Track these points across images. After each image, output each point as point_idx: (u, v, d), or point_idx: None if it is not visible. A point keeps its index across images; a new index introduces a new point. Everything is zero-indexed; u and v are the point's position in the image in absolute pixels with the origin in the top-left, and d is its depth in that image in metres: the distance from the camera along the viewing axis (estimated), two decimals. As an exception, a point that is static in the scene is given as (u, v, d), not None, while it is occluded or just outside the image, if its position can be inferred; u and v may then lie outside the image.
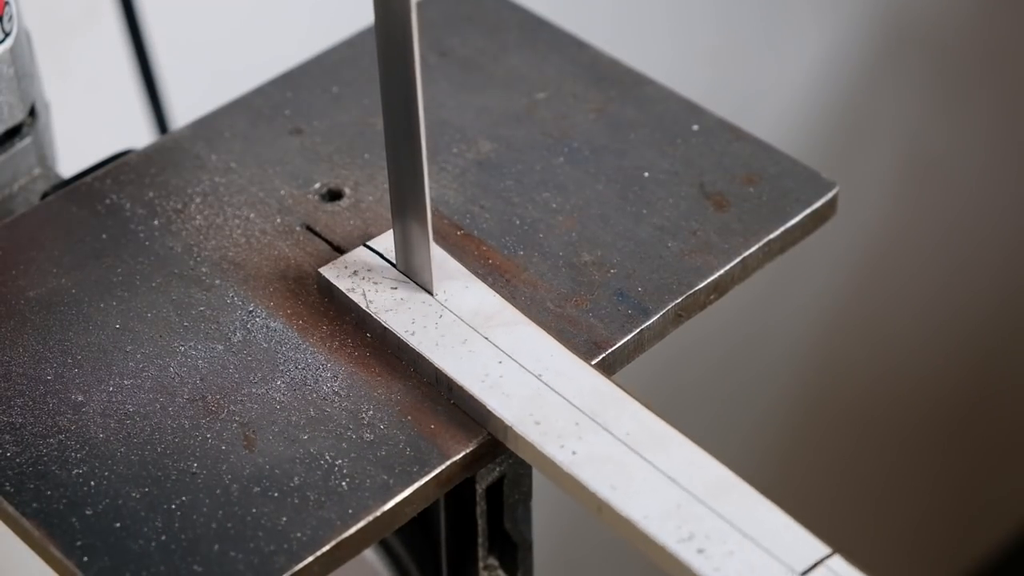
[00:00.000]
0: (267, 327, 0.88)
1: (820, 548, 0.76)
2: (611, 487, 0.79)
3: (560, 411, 0.82)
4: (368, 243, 0.90)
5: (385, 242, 0.90)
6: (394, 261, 0.89)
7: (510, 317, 0.86)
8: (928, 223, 2.26)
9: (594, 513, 0.79)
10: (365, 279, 0.89)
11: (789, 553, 0.76)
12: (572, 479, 0.79)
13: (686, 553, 0.76)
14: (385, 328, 0.86)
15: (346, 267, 0.89)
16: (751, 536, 0.76)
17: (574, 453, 0.80)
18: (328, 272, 0.89)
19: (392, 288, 0.88)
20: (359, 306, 0.87)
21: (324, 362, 0.86)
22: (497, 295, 0.87)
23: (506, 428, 0.82)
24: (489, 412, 0.82)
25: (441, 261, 0.89)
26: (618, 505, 0.78)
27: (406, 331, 0.86)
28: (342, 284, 0.88)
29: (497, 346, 0.85)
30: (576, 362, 0.84)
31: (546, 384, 0.83)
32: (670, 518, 0.77)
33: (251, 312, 0.88)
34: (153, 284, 0.90)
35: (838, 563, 0.75)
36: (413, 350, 0.85)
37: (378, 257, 0.89)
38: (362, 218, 0.93)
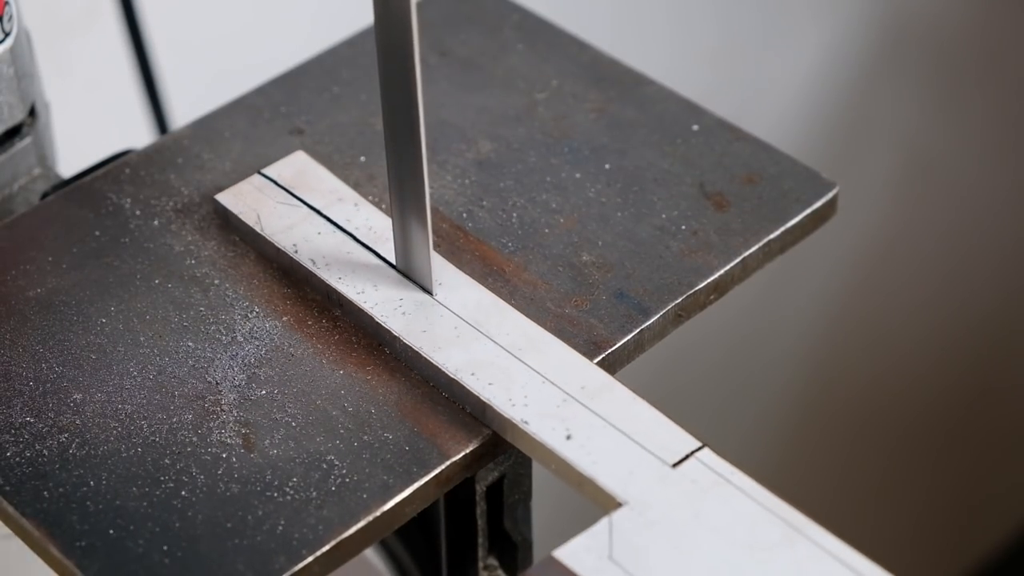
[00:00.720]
0: (267, 327, 0.88)
1: (691, 441, 0.80)
2: (493, 390, 0.82)
3: (445, 321, 0.86)
4: (262, 170, 0.93)
5: (278, 169, 0.93)
6: (286, 186, 0.92)
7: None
8: (927, 223, 2.26)
9: (479, 415, 0.82)
10: (259, 203, 0.91)
11: (662, 447, 0.80)
12: (458, 384, 0.83)
13: (567, 450, 0.80)
14: (278, 249, 0.89)
15: (241, 194, 0.92)
16: (626, 432, 0.80)
17: (458, 359, 0.84)
18: (223, 198, 0.92)
19: (284, 211, 0.91)
20: (253, 229, 0.90)
21: (324, 362, 0.86)
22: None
23: (395, 338, 0.85)
24: (378, 324, 0.85)
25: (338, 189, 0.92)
26: (500, 407, 0.82)
27: (293, 248, 0.89)
28: (237, 208, 0.91)
29: (390, 263, 0.88)
30: (460, 275, 0.88)
31: (433, 297, 0.87)
32: (550, 417, 0.81)
33: (251, 312, 0.88)
34: (153, 284, 0.90)
35: (707, 455, 0.80)
36: (303, 268, 0.88)
37: (271, 183, 0.92)
38: (362, 218, 0.93)
